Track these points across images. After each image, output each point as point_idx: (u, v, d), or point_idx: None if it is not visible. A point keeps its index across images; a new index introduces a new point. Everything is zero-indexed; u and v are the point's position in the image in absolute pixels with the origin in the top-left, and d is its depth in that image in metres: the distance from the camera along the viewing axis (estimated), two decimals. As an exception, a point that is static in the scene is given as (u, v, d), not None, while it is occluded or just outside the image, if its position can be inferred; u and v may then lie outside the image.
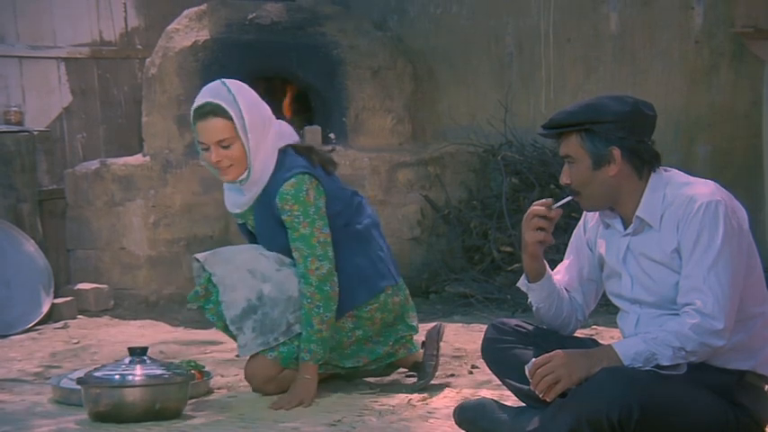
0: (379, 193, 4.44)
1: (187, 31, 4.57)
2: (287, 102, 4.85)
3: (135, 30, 5.31)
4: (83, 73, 5.08)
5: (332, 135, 4.62)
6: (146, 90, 4.58)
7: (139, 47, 5.27)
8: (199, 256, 2.87)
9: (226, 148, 2.70)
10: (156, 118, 4.49)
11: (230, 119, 2.69)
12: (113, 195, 4.34)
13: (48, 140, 4.60)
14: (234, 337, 2.82)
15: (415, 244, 4.55)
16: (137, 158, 4.46)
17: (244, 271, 2.77)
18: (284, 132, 2.84)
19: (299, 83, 4.76)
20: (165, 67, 4.51)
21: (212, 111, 2.70)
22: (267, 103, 4.60)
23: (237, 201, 2.85)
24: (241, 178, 2.76)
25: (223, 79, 2.80)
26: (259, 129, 2.73)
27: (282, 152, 2.78)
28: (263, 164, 2.74)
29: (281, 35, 4.64)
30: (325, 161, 2.86)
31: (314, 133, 4.52)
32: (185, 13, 4.65)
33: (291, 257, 2.79)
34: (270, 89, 4.75)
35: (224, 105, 2.69)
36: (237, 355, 2.88)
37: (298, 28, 4.70)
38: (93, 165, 4.40)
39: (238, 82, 2.81)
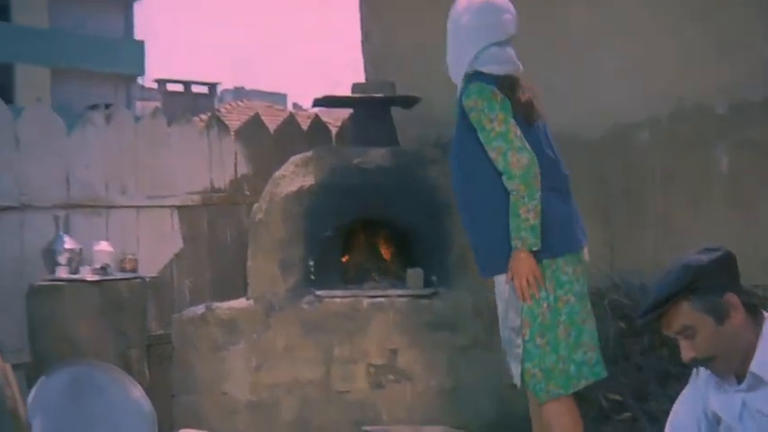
0: (483, 336, 4.39)
1: (293, 177, 4.67)
2: (389, 244, 4.93)
3: (244, 177, 5.56)
4: (193, 219, 5.31)
5: (434, 278, 4.64)
6: (252, 234, 4.65)
7: (247, 193, 5.50)
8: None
9: None
10: (260, 262, 4.54)
11: None
12: (217, 339, 4.37)
13: (158, 286, 4.77)
14: None
15: (519, 391, 4.43)
16: (240, 302, 4.50)
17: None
18: (490, 59, 3.02)
19: (403, 225, 4.83)
20: (271, 211, 4.59)
21: None
22: (367, 244, 4.80)
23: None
24: None
25: None
26: (453, 43, 3.10)
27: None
28: (453, 70, 3.09)
29: (385, 179, 4.73)
30: (526, 108, 2.99)
31: (416, 276, 4.56)
32: (292, 159, 4.77)
33: (469, 168, 3.02)
34: (373, 231, 4.88)
35: None
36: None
37: (402, 172, 4.80)
38: (199, 309, 4.45)
39: (472, 1, 3.08)
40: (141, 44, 27.49)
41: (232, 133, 5.62)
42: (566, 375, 2.98)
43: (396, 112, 5.25)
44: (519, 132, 2.91)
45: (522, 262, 2.88)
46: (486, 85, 2.95)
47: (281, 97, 29.90)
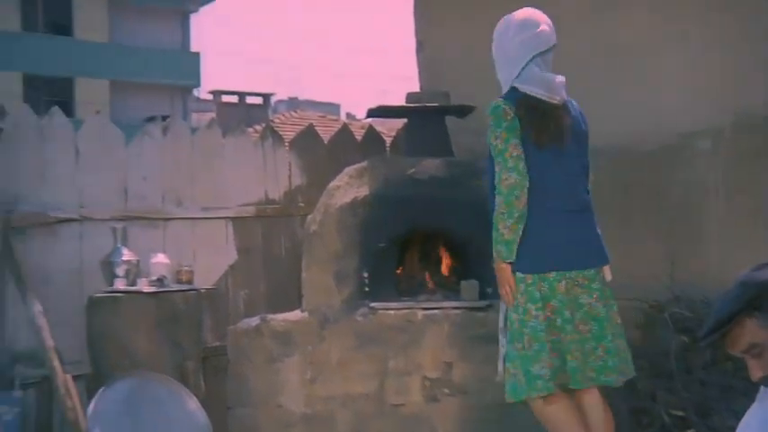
0: (539, 350, 4.32)
1: (347, 188, 4.65)
2: (444, 255, 4.90)
3: (298, 188, 5.59)
4: (248, 231, 5.34)
5: (489, 290, 4.59)
6: (306, 246, 4.64)
7: (301, 204, 5.52)
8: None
9: None
10: (315, 273, 4.53)
11: None
12: (272, 351, 4.36)
13: (213, 298, 4.79)
14: None
15: (578, 405, 4.37)
16: (295, 314, 4.49)
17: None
18: (524, 78, 3.22)
19: (457, 237, 4.80)
20: (325, 223, 4.58)
21: None
22: (422, 256, 4.78)
23: None
24: None
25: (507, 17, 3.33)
26: (499, 63, 3.29)
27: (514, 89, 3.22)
28: (504, 89, 3.26)
29: (439, 190, 4.69)
30: (538, 133, 3.14)
31: (471, 288, 4.52)
32: (346, 170, 4.76)
33: (493, 180, 3.25)
34: (428, 243, 4.85)
35: None
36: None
37: (456, 182, 4.75)
38: (254, 321, 4.45)
39: (511, 20, 3.31)
40: (197, 56, 27.93)
41: (286, 144, 5.65)
42: (526, 383, 3.24)
43: (450, 121, 5.23)
44: (516, 153, 3.11)
45: (501, 272, 3.21)
46: (501, 102, 3.18)
47: (335, 107, 30.06)
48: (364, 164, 4.79)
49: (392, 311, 4.40)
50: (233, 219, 5.30)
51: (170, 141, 5.18)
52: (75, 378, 4.11)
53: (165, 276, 4.58)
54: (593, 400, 3.26)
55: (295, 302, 4.75)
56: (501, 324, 3.33)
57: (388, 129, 7.72)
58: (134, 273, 4.60)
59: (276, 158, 5.54)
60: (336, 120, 16.67)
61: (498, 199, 3.12)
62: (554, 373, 3.19)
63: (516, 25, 3.26)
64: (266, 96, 26.95)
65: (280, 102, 29.54)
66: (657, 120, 4.69)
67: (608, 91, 4.71)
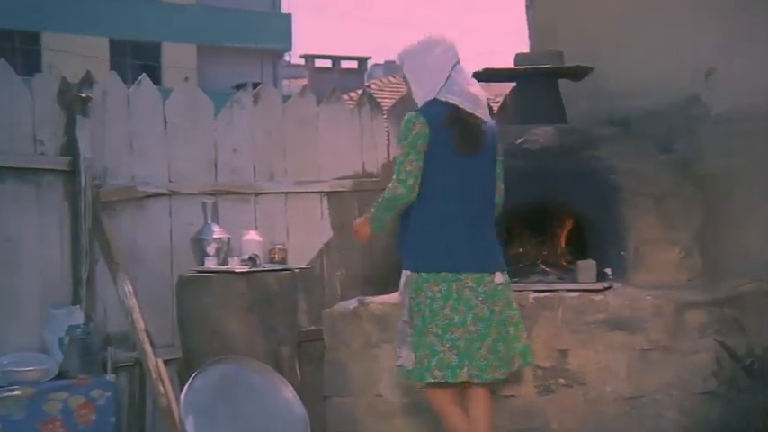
0: (664, 338, 4.22)
1: (450, 159, 4.66)
2: (557, 233, 4.82)
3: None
4: (343, 206, 5.33)
5: (608, 270, 4.51)
6: (404, 223, 4.69)
7: (401, 177, 5.48)
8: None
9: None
10: None
11: None
12: (370, 337, 4.37)
13: (308, 278, 4.79)
14: None
15: (710, 399, 4.24)
16: (394, 296, 4.43)
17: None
18: (449, 89, 3.66)
19: (571, 212, 4.72)
20: None
21: None
22: (533, 233, 4.72)
23: None
24: None
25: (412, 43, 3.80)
26: (415, 77, 3.77)
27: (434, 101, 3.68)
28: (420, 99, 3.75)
29: (552, 161, 4.65)
30: (462, 141, 3.61)
31: (588, 268, 4.43)
32: (449, 139, 4.77)
33: None
34: (539, 219, 4.77)
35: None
36: None
37: (570, 153, 4.69)
38: (351, 304, 4.47)
39: (422, 42, 3.76)
40: (288, 17, 28.17)
41: (384, 112, 5.62)
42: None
43: (564, 84, 5.12)
44: (410, 168, 3.61)
45: (362, 227, 3.89)
46: (414, 116, 3.66)
47: (435, 70, 29.81)
48: (470, 132, 4.76)
49: (501, 294, 4.34)
50: (328, 193, 5.30)
51: (261, 110, 5.20)
52: (166, 363, 4.20)
53: (257, 255, 4.60)
54: (479, 394, 3.74)
55: (394, 284, 4.71)
56: (406, 317, 3.74)
57: (495, 93, 7.61)
58: (225, 251, 4.65)
59: (374, 128, 5.52)
60: (437, 84, 16.52)
61: (385, 195, 3.69)
62: (430, 365, 3.64)
63: (429, 43, 3.75)
64: (362, 60, 27.05)
65: (376, 66, 29.56)
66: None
67: (747, 47, 4.52)
